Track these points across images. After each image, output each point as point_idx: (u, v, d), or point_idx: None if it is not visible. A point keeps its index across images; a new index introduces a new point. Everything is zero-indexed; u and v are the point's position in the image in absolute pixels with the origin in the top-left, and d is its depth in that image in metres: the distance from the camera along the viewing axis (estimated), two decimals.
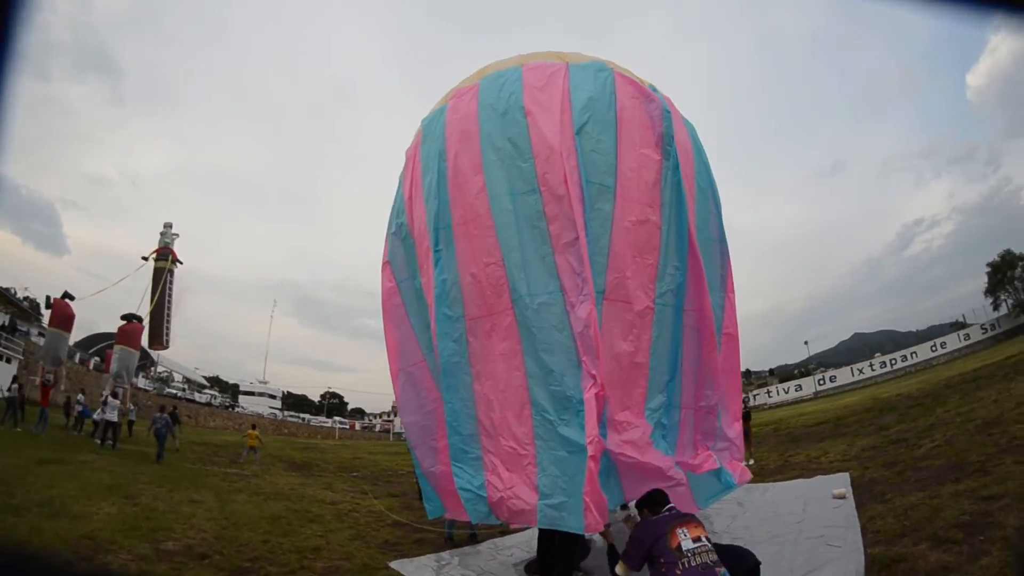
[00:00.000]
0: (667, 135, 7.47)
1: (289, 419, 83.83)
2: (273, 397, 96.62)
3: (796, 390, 57.99)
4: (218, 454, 29.82)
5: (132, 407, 31.36)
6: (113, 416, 24.43)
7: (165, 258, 52.64)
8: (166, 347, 56.30)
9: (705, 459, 7.15)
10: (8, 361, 45.87)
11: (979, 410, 16.25)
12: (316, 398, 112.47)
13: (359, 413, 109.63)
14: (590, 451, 5.91)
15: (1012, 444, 11.39)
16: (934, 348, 51.46)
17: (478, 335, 7.08)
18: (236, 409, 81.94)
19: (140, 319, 43.73)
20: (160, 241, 53.55)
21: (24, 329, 55.74)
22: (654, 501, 6.21)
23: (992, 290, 56.63)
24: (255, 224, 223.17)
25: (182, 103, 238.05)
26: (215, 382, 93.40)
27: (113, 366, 39.89)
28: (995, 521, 7.57)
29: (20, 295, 64.13)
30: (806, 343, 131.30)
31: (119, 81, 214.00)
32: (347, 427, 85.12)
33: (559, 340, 6.48)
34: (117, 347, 39.72)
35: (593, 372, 6.17)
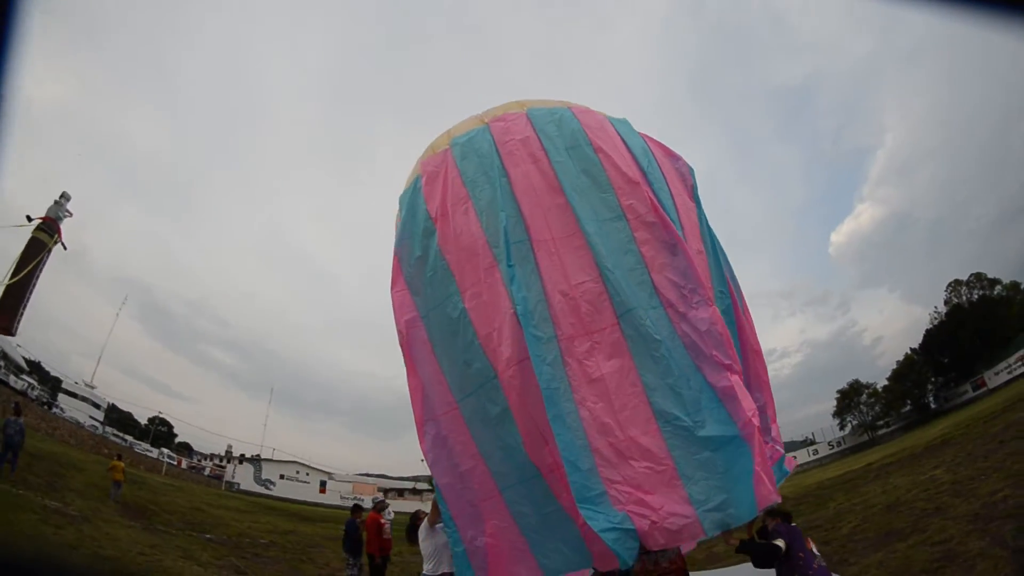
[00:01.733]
0: (695, 188, 8.44)
1: (111, 437, 75.14)
2: (97, 407, 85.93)
3: None
4: (32, 468, 23.10)
5: None
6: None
7: (50, 232, 44.70)
8: (13, 334, 47.50)
9: (773, 450, 7.32)
10: None
11: (873, 499, 19.20)
12: (143, 420, 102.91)
13: (186, 448, 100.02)
14: (746, 432, 5.72)
15: (926, 513, 13.84)
16: None
17: (576, 356, 6.31)
18: (54, 410, 70.96)
19: None
20: (51, 210, 46.14)
21: None
22: (785, 512, 7.66)
23: (840, 412, 66.79)
24: (127, 206, 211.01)
25: (95, 42, 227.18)
26: (36, 368, 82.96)
27: None
28: (963, 550, 10.02)
29: None
30: None
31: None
32: (175, 463, 76.45)
33: (673, 349, 6.17)
34: None
35: (727, 362, 6.04)
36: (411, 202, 7.81)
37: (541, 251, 6.65)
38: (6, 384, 60.34)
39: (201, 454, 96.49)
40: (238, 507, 37.96)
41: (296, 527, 29.54)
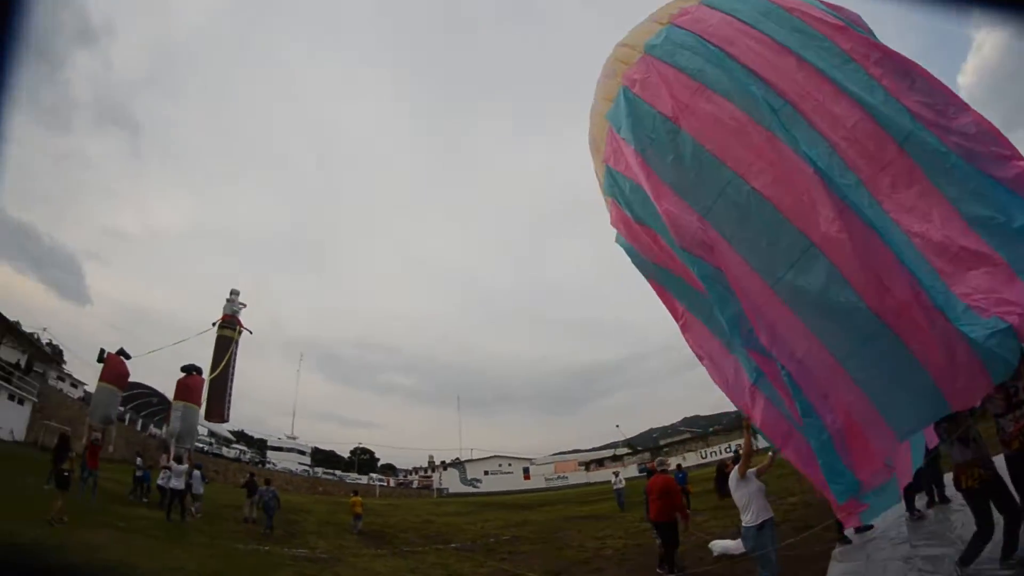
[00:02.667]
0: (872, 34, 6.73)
1: (322, 476, 78.31)
2: (303, 453, 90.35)
3: None
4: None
5: (198, 473, 24.40)
6: (179, 483, 21.18)
7: (231, 327, 47.25)
8: (226, 420, 50.53)
9: None
10: (21, 403, 41.87)
11: None
12: (345, 454, 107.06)
13: (390, 469, 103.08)
14: None
15: None
16: None
17: (883, 192, 5.69)
18: (266, 465, 75.33)
19: (200, 370, 39.21)
20: (226, 308, 49.58)
21: (41, 371, 52.04)
22: None
23: None
24: (273, 279, 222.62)
25: (198, 159, 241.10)
26: (240, 436, 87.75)
27: (174, 424, 35.63)
28: None
29: (43, 340, 60.23)
30: None
31: (138, 136, 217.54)
32: (384, 483, 78.38)
33: (956, 160, 5.49)
34: (177, 403, 35.80)
35: (1007, 152, 5.39)
36: (632, 113, 6.91)
37: (805, 107, 6.00)
38: (221, 456, 64.46)
39: (405, 470, 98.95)
40: (459, 511, 37.37)
41: (526, 517, 28.46)
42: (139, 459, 28.21)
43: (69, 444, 19.21)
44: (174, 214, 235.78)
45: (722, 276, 6.22)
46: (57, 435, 24.01)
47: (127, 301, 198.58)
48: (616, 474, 29.84)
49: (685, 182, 6.56)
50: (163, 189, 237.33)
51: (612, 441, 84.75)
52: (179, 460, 24.15)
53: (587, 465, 71.39)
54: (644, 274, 7.68)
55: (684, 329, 7.46)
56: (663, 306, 7.76)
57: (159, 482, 23.20)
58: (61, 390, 55.55)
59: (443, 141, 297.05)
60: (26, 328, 56.80)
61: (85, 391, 64.28)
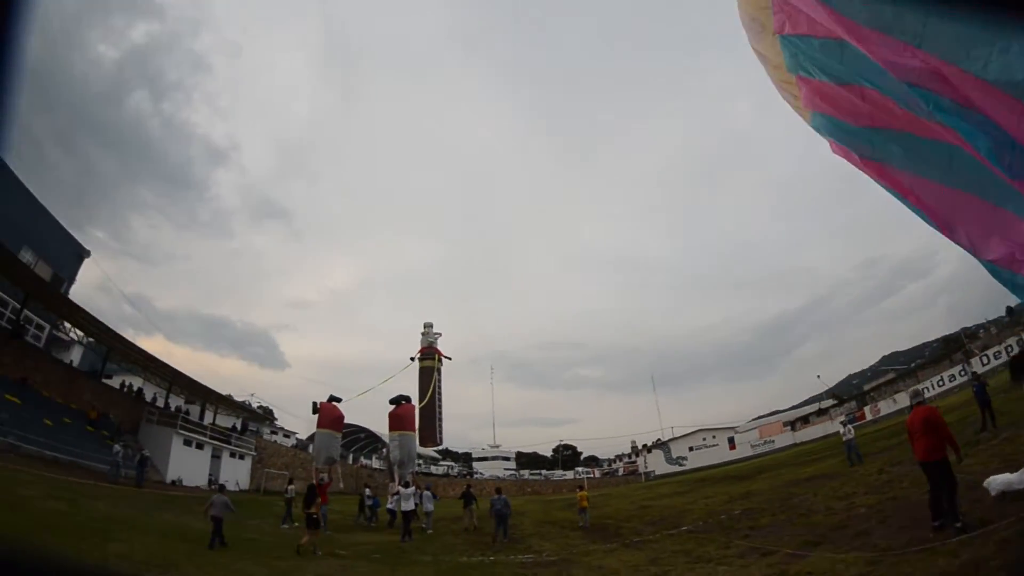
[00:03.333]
0: None
1: (529, 478, 78.60)
2: (507, 459, 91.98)
3: None
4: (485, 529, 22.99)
5: (429, 492, 26.32)
6: (409, 505, 22.77)
7: (431, 357, 49.36)
8: (439, 444, 53.24)
9: None
10: (242, 458, 49.07)
11: None
12: (548, 453, 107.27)
13: (594, 460, 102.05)
14: None
15: None
16: None
17: None
18: (473, 475, 77.29)
19: (409, 399, 41.01)
20: (423, 341, 51.00)
21: (254, 428, 60.04)
22: None
23: None
24: (448, 307, 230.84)
25: (347, 225, 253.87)
26: (445, 454, 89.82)
27: (394, 453, 37.46)
28: None
29: (254, 404, 70.50)
30: None
31: (291, 221, 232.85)
32: (591, 475, 77.29)
33: None
34: (393, 433, 37.71)
35: None
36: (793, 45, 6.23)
37: None
38: (430, 474, 67.67)
39: (609, 459, 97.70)
40: (674, 491, 35.40)
41: (748, 488, 26.00)
42: (367, 489, 30.41)
43: (316, 492, 20.39)
44: (343, 273, 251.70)
45: (960, 107, 4.72)
46: (293, 480, 29.53)
47: (320, 357, 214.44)
48: (844, 423, 26.66)
49: (885, 17, 5.22)
50: (327, 256, 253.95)
51: (813, 395, 79.57)
52: (406, 484, 25.27)
53: (792, 425, 67.01)
54: (853, 149, 6.60)
55: (917, 201, 6.20)
56: (879, 187, 6.70)
57: (389, 506, 24.44)
58: (275, 442, 62.80)
59: (567, 138, 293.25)
60: (237, 398, 66.01)
61: (296, 439, 71.44)
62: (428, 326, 52.91)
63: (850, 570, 8.78)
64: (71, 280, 47.00)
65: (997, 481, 9.93)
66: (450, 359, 52.71)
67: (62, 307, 39.66)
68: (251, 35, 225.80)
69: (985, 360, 42.17)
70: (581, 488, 28.28)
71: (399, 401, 39.56)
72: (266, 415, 72.81)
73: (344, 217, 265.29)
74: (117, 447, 32.48)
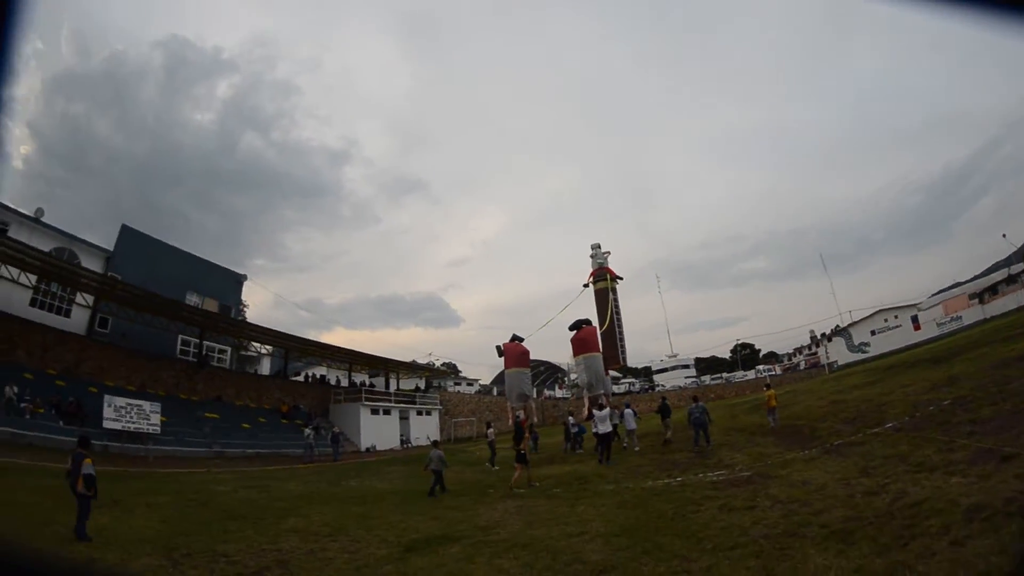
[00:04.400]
0: None
1: (710, 383, 76.90)
2: (687, 367, 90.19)
3: None
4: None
5: (631, 411, 26.30)
6: (607, 427, 22.16)
7: (604, 279, 48.83)
8: (623, 364, 52.68)
9: None
10: (429, 413, 52.01)
11: None
12: (726, 355, 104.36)
13: (773, 357, 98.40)
14: None
15: None
16: None
17: None
18: (655, 388, 77.24)
19: (589, 322, 41.41)
20: (593, 264, 51.13)
21: (437, 384, 64.25)
22: None
23: None
24: (599, 225, 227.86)
25: (482, 173, 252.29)
26: (625, 371, 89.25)
27: (582, 377, 38.23)
28: None
29: (436, 363, 76.18)
30: None
31: (428, 190, 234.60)
32: (772, 371, 74.68)
33: None
34: (579, 357, 38.00)
35: None
36: None
37: None
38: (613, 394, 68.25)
39: (788, 353, 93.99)
40: (865, 381, 31.82)
41: (948, 372, 22.09)
42: (570, 417, 30.14)
43: (521, 429, 21.73)
44: (490, 222, 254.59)
45: None
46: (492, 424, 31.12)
47: (489, 305, 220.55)
48: None
49: None
50: (470, 211, 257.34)
51: (999, 260, 70.02)
52: (600, 407, 24.09)
53: (980, 296, 59.68)
54: None
55: None
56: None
57: (594, 431, 23.66)
58: (458, 392, 67.72)
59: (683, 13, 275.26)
60: (420, 361, 71.04)
61: (480, 385, 74.15)
62: (596, 247, 52.26)
63: None
64: (237, 304, 52.73)
65: None
66: (621, 279, 51.62)
67: (235, 329, 45.16)
68: (323, 44, 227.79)
69: None
70: (768, 387, 27.78)
71: (579, 325, 39.42)
72: (449, 370, 76.65)
73: (475, 169, 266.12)
74: (308, 431, 35.70)
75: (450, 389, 65.40)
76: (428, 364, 70.60)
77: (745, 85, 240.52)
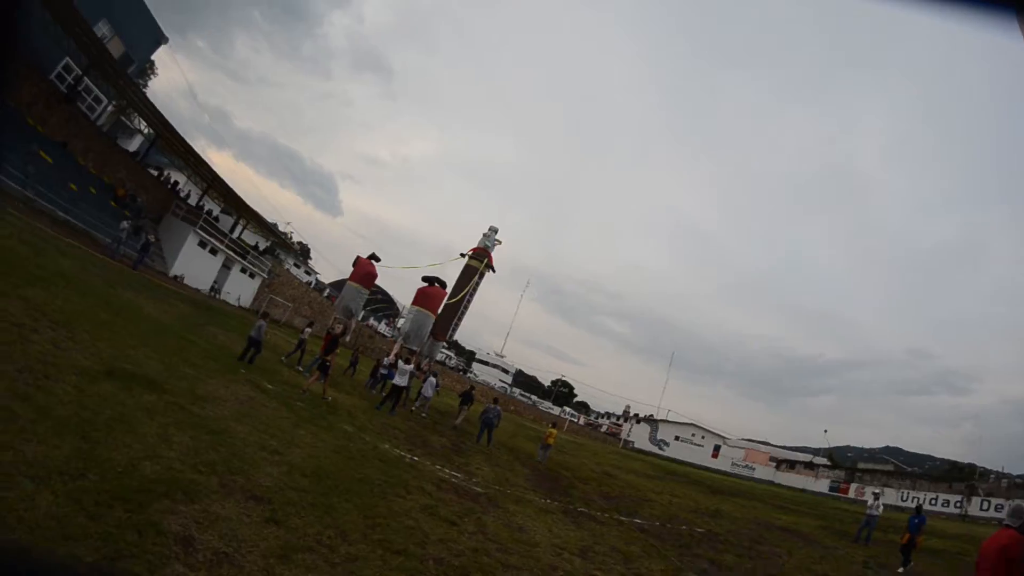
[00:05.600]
0: None
1: (518, 396, 77.36)
2: (506, 372, 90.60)
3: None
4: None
5: (434, 379, 25.59)
6: (403, 381, 21.50)
7: (480, 259, 47.32)
8: (448, 340, 51.73)
9: None
10: (252, 276, 49.21)
11: None
12: (546, 382, 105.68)
13: (584, 407, 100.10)
14: None
15: None
16: None
17: None
18: (468, 374, 76.53)
19: (444, 284, 40.63)
20: (481, 241, 48.26)
21: (277, 253, 61.44)
22: None
23: None
24: (510, 213, 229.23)
25: (445, 102, 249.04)
26: (452, 344, 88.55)
27: (405, 326, 38.69)
28: None
29: (290, 235, 73.23)
30: None
31: (391, 80, 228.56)
32: (576, 420, 75.67)
33: None
34: (414, 307, 37.34)
35: None
36: None
37: None
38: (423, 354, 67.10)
39: (598, 412, 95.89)
40: (644, 471, 32.56)
41: (719, 506, 22.53)
42: (385, 359, 28.20)
43: (336, 342, 20.01)
44: (423, 145, 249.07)
45: None
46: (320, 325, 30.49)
47: (373, 216, 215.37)
48: (876, 496, 22.41)
49: None
50: (414, 126, 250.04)
51: (807, 446, 76.59)
52: (406, 360, 23.65)
53: (778, 463, 63.81)
54: None
55: None
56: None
57: (379, 372, 24.33)
58: (293, 274, 62.55)
59: (686, 101, 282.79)
60: (281, 227, 68.62)
61: (316, 280, 70.43)
62: (493, 230, 51.05)
63: None
64: (141, 63, 46.47)
65: None
66: (495, 271, 51.51)
67: (124, 85, 37.55)
68: None
69: (985, 506, 40.18)
70: (554, 425, 27.93)
71: (432, 281, 39.17)
72: (300, 250, 72.71)
73: (442, 93, 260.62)
74: (125, 224, 31.88)
75: (286, 267, 61.97)
76: (281, 232, 67.07)
77: (708, 190, 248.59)
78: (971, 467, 60.96)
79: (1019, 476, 52.77)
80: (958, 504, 41.31)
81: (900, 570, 15.59)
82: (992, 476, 54.61)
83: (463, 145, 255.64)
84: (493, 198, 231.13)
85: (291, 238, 70.63)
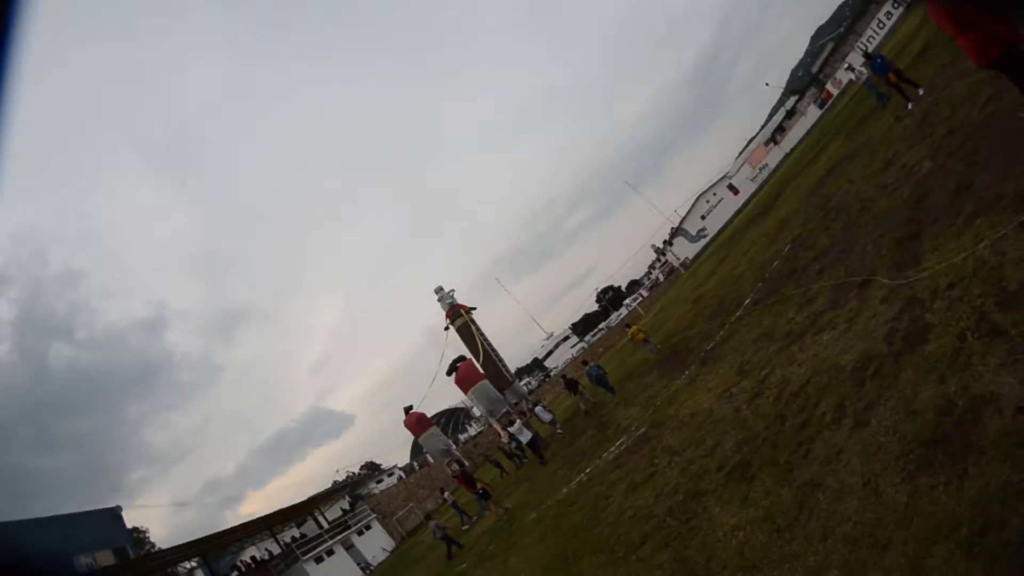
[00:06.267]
0: None
1: (595, 339, 76.95)
2: (567, 338, 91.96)
3: None
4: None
5: (541, 407, 25.90)
6: (526, 437, 22.77)
7: (459, 315, 51.71)
8: (512, 384, 52.53)
9: None
10: (368, 528, 47.24)
11: None
12: (594, 307, 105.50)
13: (636, 284, 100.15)
14: None
15: None
16: None
17: None
18: (551, 374, 77.13)
19: (463, 358, 43.78)
20: (443, 305, 52.47)
21: (363, 493, 58.87)
22: None
23: None
24: (428, 262, 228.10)
25: (298, 271, 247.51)
26: (523, 371, 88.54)
27: (480, 406, 42.37)
28: None
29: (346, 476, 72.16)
30: None
31: (254, 311, 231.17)
32: (642, 297, 75.28)
33: None
34: (469, 393, 40.36)
35: None
36: None
37: None
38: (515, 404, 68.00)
39: (645, 275, 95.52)
40: (713, 266, 32.18)
41: (778, 216, 22.38)
42: (503, 439, 29.59)
43: (469, 474, 21.97)
44: (328, 312, 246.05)
45: None
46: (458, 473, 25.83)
47: (370, 387, 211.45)
48: (854, 68, 23.47)
49: None
50: (304, 311, 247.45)
51: (774, 104, 77.31)
52: (511, 422, 25.30)
53: (773, 139, 62.86)
54: None
55: None
56: None
57: (507, 449, 26.23)
58: (385, 487, 60.80)
59: None
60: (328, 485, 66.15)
61: (398, 469, 70.65)
62: (439, 290, 53.58)
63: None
64: (128, 539, 45.75)
65: None
66: (475, 308, 53.53)
67: (140, 566, 38.52)
68: (85, 214, 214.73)
69: None
70: (628, 326, 29.27)
71: (455, 366, 41.60)
72: (368, 471, 72.95)
73: (289, 266, 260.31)
74: None
75: (376, 491, 61.49)
76: (345, 479, 66.64)
77: (494, 72, 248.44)
78: None
79: None
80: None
81: (909, 106, 15.86)
82: None
83: (345, 273, 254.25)
84: (414, 265, 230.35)
85: (352, 474, 70.66)
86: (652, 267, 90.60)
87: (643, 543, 7.31)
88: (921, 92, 15.89)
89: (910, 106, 15.80)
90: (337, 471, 76.59)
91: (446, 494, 28.07)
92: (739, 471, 6.69)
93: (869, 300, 7.63)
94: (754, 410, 7.90)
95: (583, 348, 76.67)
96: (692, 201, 69.02)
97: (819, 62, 65.47)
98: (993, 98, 9.25)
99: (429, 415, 44.03)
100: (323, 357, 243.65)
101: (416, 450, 70.14)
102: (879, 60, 18.64)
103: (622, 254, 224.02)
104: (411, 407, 40.25)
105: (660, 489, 8.43)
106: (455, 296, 53.26)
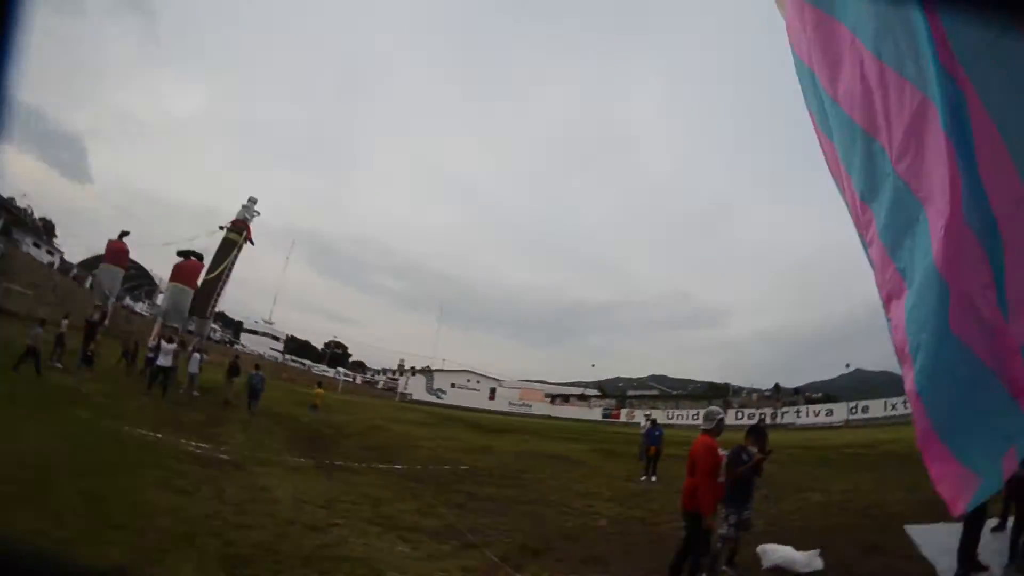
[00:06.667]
0: None
1: (290, 363, 75.72)
2: (276, 339, 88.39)
3: (827, 415, 48.85)
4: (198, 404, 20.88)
5: (199, 355, 23.76)
6: (167, 361, 20.86)
7: (239, 232, 45.57)
8: (207, 319, 48.46)
9: None
10: None
11: None
12: (320, 345, 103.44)
13: (360, 367, 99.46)
14: None
15: None
16: None
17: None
18: (235, 346, 72.92)
19: (200, 256, 39.48)
20: (239, 213, 46.46)
21: (16, 237, 54.54)
22: None
23: None
24: (280, 173, 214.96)
25: (215, 55, 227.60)
26: (219, 317, 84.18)
27: (166, 303, 37.75)
28: None
29: (27, 208, 63.37)
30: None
31: (156, 21, 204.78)
32: (351, 379, 74.79)
33: None
34: (171, 284, 36.91)
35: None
36: None
37: None
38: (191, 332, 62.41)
39: (375, 370, 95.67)
40: (419, 420, 33.39)
41: (489, 443, 23.70)
42: (151, 341, 26.79)
43: (95, 329, 20.59)
44: (189, 101, 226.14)
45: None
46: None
47: (128, 182, 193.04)
48: (647, 417, 23.58)
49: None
50: (179, 75, 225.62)
51: (580, 380, 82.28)
52: (169, 339, 22.64)
53: (553, 398, 68.34)
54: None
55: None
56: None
57: (147, 356, 23.25)
58: (32, 256, 55.03)
59: (475, 55, 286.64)
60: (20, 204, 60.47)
61: (62, 259, 62.03)
62: (252, 201, 49.22)
63: None
64: None
65: (776, 555, 7.56)
66: (253, 244, 49.84)
67: None
68: None
69: (739, 415, 45.97)
70: (319, 385, 29.75)
71: (188, 255, 38.26)
72: (45, 228, 64.61)
73: (215, 41, 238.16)
74: None
75: (24, 248, 53.65)
76: (11, 201, 57.90)
77: (488, 147, 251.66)
78: (726, 385, 70.26)
79: (767, 390, 65.03)
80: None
81: (644, 478, 17.25)
82: (744, 391, 64.60)
83: (235, 103, 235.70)
84: (267, 160, 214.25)
85: (30, 213, 61.96)
86: (384, 371, 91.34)
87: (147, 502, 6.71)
88: None
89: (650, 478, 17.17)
90: (24, 195, 65.50)
91: (64, 321, 24.94)
92: (235, 559, 6.44)
93: (452, 557, 7.93)
94: (274, 538, 7.87)
95: (274, 359, 74.60)
96: (459, 368, 72.00)
97: (638, 392, 71.63)
98: None
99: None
100: (138, 118, 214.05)
101: (86, 266, 62.66)
102: (657, 432, 19.73)
103: (380, 338, 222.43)
104: (127, 234, 37.12)
105: (180, 507, 7.96)
106: (255, 217, 49.81)
